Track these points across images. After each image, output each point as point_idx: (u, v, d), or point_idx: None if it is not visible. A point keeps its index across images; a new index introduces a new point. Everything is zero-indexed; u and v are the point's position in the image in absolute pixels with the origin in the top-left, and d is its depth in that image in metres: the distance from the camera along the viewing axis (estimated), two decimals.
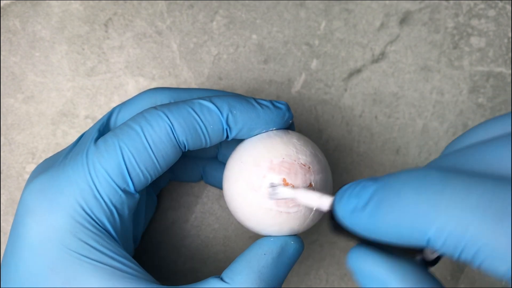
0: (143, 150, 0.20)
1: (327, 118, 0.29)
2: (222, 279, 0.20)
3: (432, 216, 0.13)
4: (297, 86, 0.30)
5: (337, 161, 0.30)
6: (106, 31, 0.29)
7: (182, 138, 0.21)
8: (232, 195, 0.22)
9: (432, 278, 0.16)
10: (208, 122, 0.21)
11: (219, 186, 0.27)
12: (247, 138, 0.23)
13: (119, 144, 0.20)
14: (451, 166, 0.15)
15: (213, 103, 0.21)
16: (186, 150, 0.21)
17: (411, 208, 0.14)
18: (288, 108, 0.23)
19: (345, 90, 0.30)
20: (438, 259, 0.17)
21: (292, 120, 0.24)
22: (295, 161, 0.21)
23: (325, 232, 0.29)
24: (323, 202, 0.19)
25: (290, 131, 0.23)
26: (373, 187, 0.15)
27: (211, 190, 0.29)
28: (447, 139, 0.30)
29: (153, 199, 0.27)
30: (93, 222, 0.20)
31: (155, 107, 0.21)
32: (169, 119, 0.20)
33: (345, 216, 0.16)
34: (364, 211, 0.15)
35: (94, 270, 0.19)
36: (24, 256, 0.19)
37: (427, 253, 0.17)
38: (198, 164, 0.27)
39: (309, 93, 0.30)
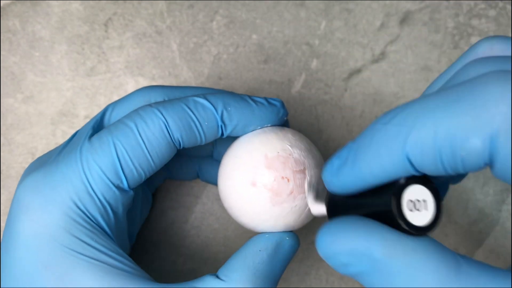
0: (137, 147, 0.20)
1: (327, 118, 0.29)
2: (218, 277, 0.20)
3: (403, 132, 0.14)
4: (297, 86, 0.29)
5: None
6: (106, 31, 0.29)
7: (177, 135, 0.21)
8: (227, 191, 0.22)
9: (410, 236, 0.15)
10: (203, 119, 0.21)
11: (216, 183, 0.27)
12: (242, 135, 0.23)
13: (113, 141, 0.20)
14: None
15: (208, 100, 0.21)
16: (181, 147, 0.21)
17: (383, 136, 0.15)
18: (283, 105, 0.23)
19: (345, 90, 0.30)
20: (433, 225, 0.16)
21: (287, 118, 0.24)
22: (290, 155, 0.21)
23: None
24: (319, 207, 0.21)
25: (284, 128, 0.23)
26: (349, 144, 0.17)
27: (211, 190, 0.29)
28: None
29: (148, 197, 0.27)
30: (87, 219, 0.20)
31: (149, 105, 0.21)
32: (163, 116, 0.20)
33: (333, 177, 0.17)
34: (346, 163, 0.17)
35: (88, 267, 0.19)
36: (18, 253, 0.19)
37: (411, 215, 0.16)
38: (194, 162, 0.27)
39: (309, 93, 0.29)
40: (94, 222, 0.20)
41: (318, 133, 0.29)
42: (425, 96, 0.15)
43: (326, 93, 0.30)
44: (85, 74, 0.29)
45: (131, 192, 0.21)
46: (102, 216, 0.20)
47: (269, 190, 0.21)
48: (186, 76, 0.29)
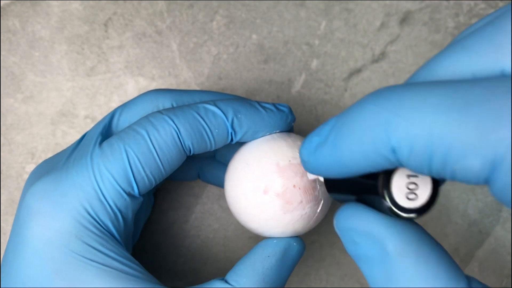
0: (149, 154, 0.20)
1: (327, 118, 0.29)
2: (226, 281, 0.20)
3: (394, 122, 0.12)
4: (297, 86, 0.29)
5: None
6: (106, 31, 0.29)
7: (187, 142, 0.21)
8: (236, 197, 0.22)
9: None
10: (214, 126, 0.21)
11: (217, 184, 0.27)
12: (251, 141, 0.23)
13: (125, 148, 0.20)
14: (422, 77, 0.15)
15: (218, 107, 0.21)
16: (191, 154, 0.21)
17: (371, 121, 0.13)
18: (291, 110, 0.23)
19: (345, 90, 0.30)
20: (428, 205, 0.15)
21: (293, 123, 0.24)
22: (300, 163, 0.21)
23: (325, 232, 0.29)
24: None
25: (292, 134, 0.23)
26: (332, 120, 0.15)
27: (211, 191, 0.29)
28: None
29: (150, 198, 0.27)
30: (98, 225, 0.20)
31: (160, 112, 0.21)
32: (175, 123, 0.20)
33: (310, 156, 0.16)
34: (326, 143, 0.15)
35: (99, 273, 0.19)
36: (28, 259, 0.19)
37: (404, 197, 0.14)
38: (195, 163, 0.27)
39: (309, 93, 0.29)
40: (104, 229, 0.20)
41: None
42: (428, 84, 0.13)
43: (326, 93, 0.30)
44: (85, 74, 0.29)
45: (141, 198, 0.21)
46: (112, 222, 0.20)
47: (280, 198, 0.21)
48: (186, 76, 0.29)
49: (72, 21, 0.29)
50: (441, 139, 0.12)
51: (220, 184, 0.27)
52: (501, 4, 0.30)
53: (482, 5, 0.30)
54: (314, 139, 0.16)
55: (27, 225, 0.20)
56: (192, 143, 0.21)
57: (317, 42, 0.30)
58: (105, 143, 0.21)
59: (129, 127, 0.21)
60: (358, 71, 0.30)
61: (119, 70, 0.29)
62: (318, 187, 0.21)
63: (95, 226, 0.20)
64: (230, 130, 0.21)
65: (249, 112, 0.22)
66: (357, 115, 0.14)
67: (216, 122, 0.21)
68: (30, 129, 0.29)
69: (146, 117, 0.21)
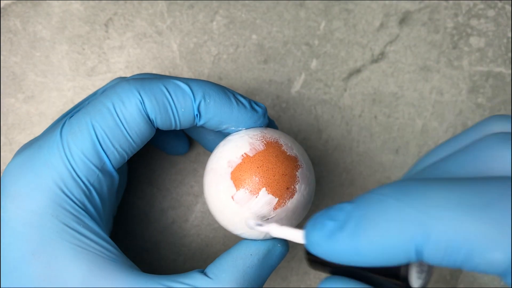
0: (116, 128, 0.20)
1: (326, 118, 0.30)
2: (205, 274, 0.20)
3: (420, 220, 0.13)
4: (296, 86, 0.30)
5: (337, 161, 0.30)
6: (107, 31, 0.29)
7: (151, 116, 0.20)
8: (210, 204, 0.22)
9: None
10: (180, 104, 0.21)
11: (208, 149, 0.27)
12: (220, 142, 0.23)
13: (92, 123, 0.20)
14: (427, 176, 0.15)
15: (189, 86, 0.21)
16: (155, 128, 0.21)
17: (395, 217, 0.13)
18: (265, 113, 0.23)
19: (345, 90, 0.30)
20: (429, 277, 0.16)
21: (271, 120, 0.24)
22: (267, 169, 0.21)
23: None
24: (296, 235, 0.18)
25: (259, 129, 0.22)
26: (349, 206, 0.15)
27: None
28: (446, 139, 0.30)
29: (124, 167, 0.27)
30: (73, 205, 0.20)
31: (127, 81, 0.21)
32: (140, 95, 0.20)
33: (320, 242, 0.15)
34: (343, 232, 0.14)
35: (76, 255, 0.19)
36: (6, 241, 0.19)
37: (412, 278, 0.15)
38: (183, 137, 0.27)
39: (309, 93, 0.30)
40: (80, 208, 0.20)
41: (318, 133, 0.30)
42: (448, 181, 0.14)
43: (326, 93, 0.30)
44: (86, 74, 0.29)
45: (115, 173, 0.21)
46: (88, 199, 0.20)
47: (235, 199, 0.21)
48: (186, 76, 0.29)
49: (73, 21, 0.29)
50: (467, 235, 0.12)
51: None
52: (500, 4, 0.30)
53: (481, 5, 0.30)
54: (328, 223, 0.15)
55: (4, 208, 0.20)
56: (155, 117, 0.21)
57: (316, 42, 0.30)
58: (73, 118, 0.21)
59: (96, 98, 0.21)
60: (357, 71, 0.30)
61: (120, 70, 0.29)
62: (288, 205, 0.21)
63: (70, 205, 0.20)
64: (196, 112, 0.21)
65: (220, 99, 0.21)
66: (380, 208, 0.14)
67: (183, 101, 0.21)
68: (31, 129, 0.29)
69: (113, 87, 0.21)
